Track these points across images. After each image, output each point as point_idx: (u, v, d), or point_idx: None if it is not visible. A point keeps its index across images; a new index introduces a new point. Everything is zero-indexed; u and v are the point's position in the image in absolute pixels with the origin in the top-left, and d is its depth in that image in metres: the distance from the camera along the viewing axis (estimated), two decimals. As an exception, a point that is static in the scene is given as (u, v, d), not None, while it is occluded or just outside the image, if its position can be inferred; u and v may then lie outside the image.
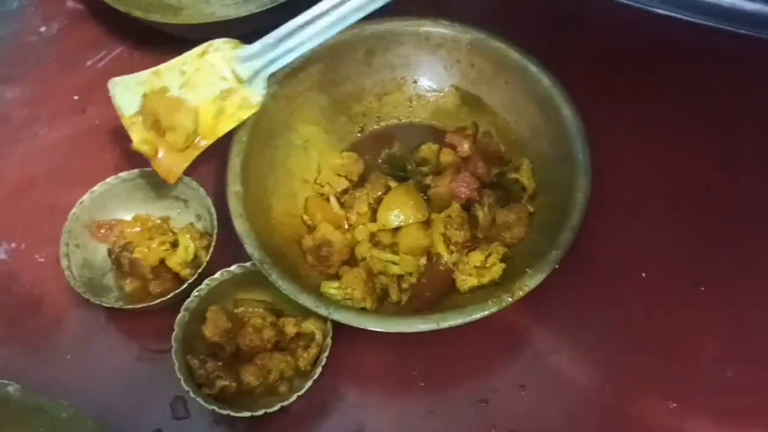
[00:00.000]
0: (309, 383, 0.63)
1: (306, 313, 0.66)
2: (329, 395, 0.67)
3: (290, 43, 0.68)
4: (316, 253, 0.69)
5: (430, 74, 0.77)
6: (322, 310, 0.63)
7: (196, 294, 0.66)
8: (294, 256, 0.70)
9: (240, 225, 0.66)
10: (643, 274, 0.70)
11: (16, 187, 0.78)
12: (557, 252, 0.63)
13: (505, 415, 0.65)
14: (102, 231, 0.71)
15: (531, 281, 0.62)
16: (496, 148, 0.74)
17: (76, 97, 0.84)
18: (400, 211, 0.70)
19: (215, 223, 0.70)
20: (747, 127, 0.77)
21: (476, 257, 0.67)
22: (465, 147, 0.72)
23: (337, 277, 0.68)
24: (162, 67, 0.69)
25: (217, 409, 0.62)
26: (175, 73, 0.69)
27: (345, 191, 0.73)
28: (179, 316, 0.65)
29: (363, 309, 0.66)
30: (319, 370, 0.63)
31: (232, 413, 0.62)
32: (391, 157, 0.74)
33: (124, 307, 0.68)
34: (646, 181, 0.75)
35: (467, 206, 0.70)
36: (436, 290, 0.68)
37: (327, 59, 0.74)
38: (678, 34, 0.77)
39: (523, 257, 0.67)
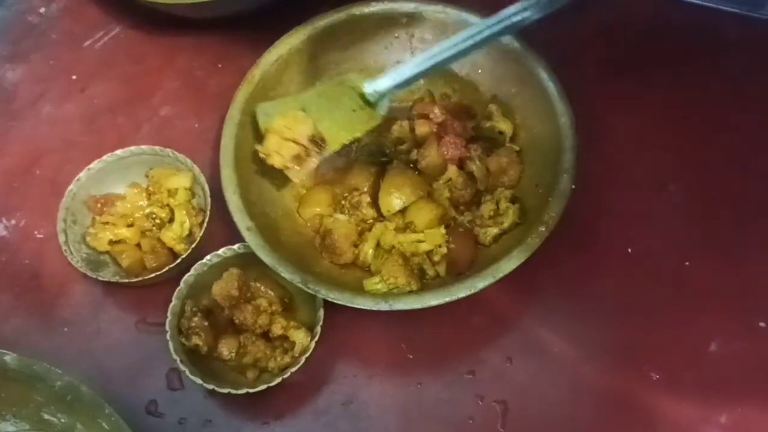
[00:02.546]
0: (274, 382, 0.64)
1: (306, 323, 0.68)
2: (321, 369, 0.68)
3: (408, 74, 0.68)
4: (324, 247, 0.70)
5: (373, 58, 0.78)
6: (310, 289, 0.64)
7: (209, 262, 0.69)
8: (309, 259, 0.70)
9: (262, 252, 0.65)
10: (629, 250, 0.71)
11: (18, 165, 0.80)
12: (567, 176, 0.65)
13: (492, 386, 0.67)
14: (98, 205, 0.73)
15: (557, 206, 0.64)
16: (460, 105, 0.76)
17: (74, 77, 0.85)
18: (399, 193, 0.71)
19: (209, 199, 0.71)
20: (736, 106, 0.77)
21: (487, 208, 0.70)
22: (437, 112, 0.74)
23: (367, 270, 0.70)
24: (302, 95, 0.72)
25: (203, 383, 0.63)
26: (312, 99, 0.70)
27: (298, 159, 0.69)
28: (179, 288, 0.67)
29: (360, 291, 0.67)
30: (280, 379, 0.64)
31: (216, 388, 0.63)
32: (365, 147, 0.75)
33: (120, 281, 0.69)
34: (635, 159, 0.76)
35: (460, 166, 0.72)
36: (466, 251, 0.69)
37: (275, 73, 0.75)
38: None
39: (530, 193, 0.70)
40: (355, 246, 0.71)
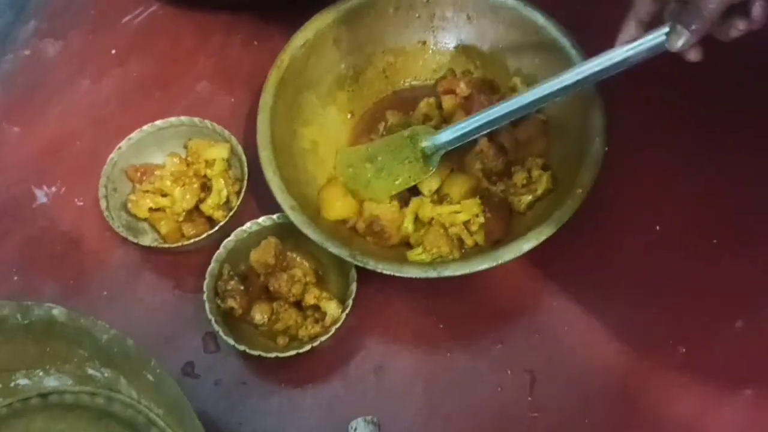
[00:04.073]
0: (303, 349, 0.66)
1: (337, 296, 0.69)
2: (353, 338, 0.70)
3: (469, 132, 0.70)
4: (371, 232, 0.71)
5: (395, 38, 0.80)
6: (359, 261, 0.65)
7: (249, 229, 0.71)
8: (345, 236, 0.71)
9: (308, 229, 0.67)
10: (657, 227, 0.72)
11: (58, 136, 0.82)
12: (599, 139, 0.67)
13: (520, 357, 0.68)
14: (138, 174, 0.74)
15: (592, 169, 0.66)
16: (484, 79, 0.78)
17: (113, 52, 0.87)
18: None
19: (245, 169, 0.73)
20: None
21: (520, 176, 0.71)
22: (462, 86, 0.76)
23: (406, 245, 0.72)
24: (373, 146, 0.75)
25: (235, 344, 0.65)
26: (381, 150, 0.74)
27: None
28: (218, 252, 0.69)
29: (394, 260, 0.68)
30: (309, 347, 0.66)
31: (247, 350, 0.65)
32: (392, 127, 0.77)
33: (159, 246, 0.71)
34: (661, 137, 0.77)
35: (489, 137, 0.73)
36: (502, 219, 0.71)
37: (302, 57, 0.76)
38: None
39: (560, 160, 0.71)
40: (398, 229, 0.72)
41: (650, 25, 0.62)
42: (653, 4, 0.62)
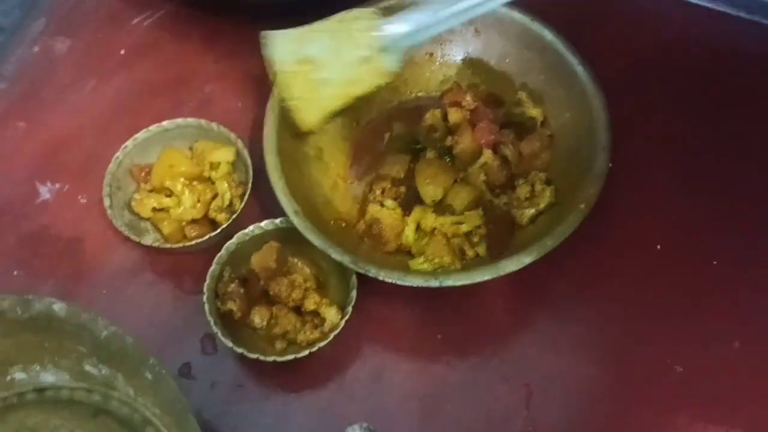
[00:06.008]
0: (301, 354, 0.66)
1: (340, 301, 0.69)
2: (350, 344, 0.70)
3: (428, 20, 0.68)
4: (369, 234, 0.72)
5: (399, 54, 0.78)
6: (361, 268, 0.65)
7: (251, 232, 0.70)
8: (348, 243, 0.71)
9: (311, 234, 0.67)
10: (658, 246, 0.73)
11: (63, 134, 0.82)
12: (604, 155, 0.67)
13: (519, 370, 0.68)
14: (143, 174, 0.75)
15: (596, 184, 0.66)
16: (489, 93, 0.78)
17: (122, 52, 0.87)
18: (435, 182, 0.72)
19: (250, 173, 0.73)
20: (760, 113, 0.79)
21: (523, 190, 0.72)
22: (468, 99, 0.76)
23: (407, 254, 0.72)
24: (308, 28, 0.70)
25: (233, 346, 0.65)
26: (321, 35, 0.69)
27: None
28: (219, 254, 0.69)
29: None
30: (307, 352, 0.66)
31: (246, 353, 0.65)
32: (397, 137, 0.77)
33: (161, 246, 0.71)
34: (663, 156, 0.77)
35: (494, 150, 0.74)
36: (504, 232, 0.71)
37: None
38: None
39: (563, 175, 0.72)
40: (398, 236, 0.72)
41: None
42: None
